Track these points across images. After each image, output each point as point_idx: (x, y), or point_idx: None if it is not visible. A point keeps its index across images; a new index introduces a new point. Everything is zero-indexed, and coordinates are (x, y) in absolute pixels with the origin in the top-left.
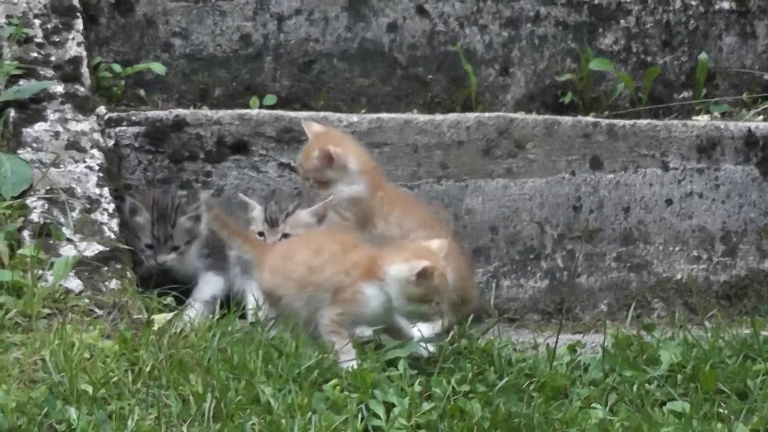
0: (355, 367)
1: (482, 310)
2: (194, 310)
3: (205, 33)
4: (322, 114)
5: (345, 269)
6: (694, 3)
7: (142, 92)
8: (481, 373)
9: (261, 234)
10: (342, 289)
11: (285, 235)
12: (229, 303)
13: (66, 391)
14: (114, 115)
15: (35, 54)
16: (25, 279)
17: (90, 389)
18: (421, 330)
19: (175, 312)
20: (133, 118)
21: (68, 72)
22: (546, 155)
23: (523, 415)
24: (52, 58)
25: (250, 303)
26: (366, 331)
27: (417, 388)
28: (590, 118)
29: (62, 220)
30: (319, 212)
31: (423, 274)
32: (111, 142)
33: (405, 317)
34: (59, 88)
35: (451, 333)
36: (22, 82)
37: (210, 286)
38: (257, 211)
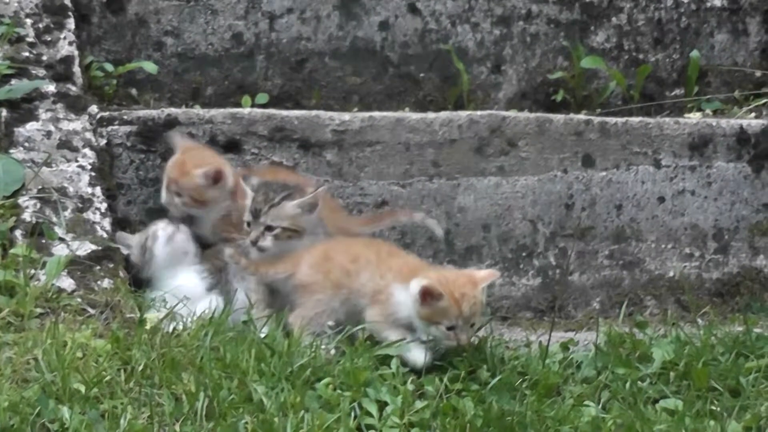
0: (422, 359)
1: None
2: None
3: (196, 32)
4: (314, 113)
5: (380, 273)
6: (685, 0)
7: (134, 91)
8: (473, 371)
9: (248, 224)
10: (379, 291)
11: (268, 228)
12: None
13: (58, 391)
14: (106, 114)
15: (27, 53)
16: (18, 278)
17: (82, 388)
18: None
19: (168, 311)
20: (125, 117)
21: (60, 71)
22: (538, 153)
23: (515, 413)
24: (44, 58)
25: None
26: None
27: (410, 386)
28: (582, 116)
29: (54, 219)
30: (306, 203)
31: (425, 294)
32: (103, 142)
33: (424, 336)
34: (51, 88)
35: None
36: (13, 81)
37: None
38: (248, 200)
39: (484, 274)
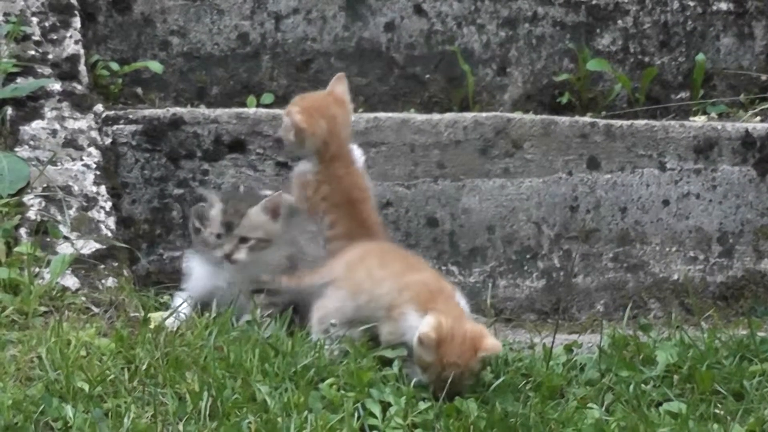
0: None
1: None
2: None
3: (202, 31)
4: None
5: (399, 288)
6: (691, 4)
7: (139, 90)
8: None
9: (219, 236)
10: (394, 307)
11: (243, 239)
12: None
13: (62, 389)
14: (111, 113)
15: (33, 52)
16: (22, 276)
17: (86, 387)
18: None
19: (172, 311)
20: (131, 116)
21: (66, 70)
22: (543, 155)
23: (519, 415)
24: (50, 56)
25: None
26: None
27: (413, 387)
28: (587, 119)
29: (59, 217)
30: (269, 207)
31: (420, 339)
32: (108, 141)
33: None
34: (57, 86)
35: None
36: (19, 79)
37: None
38: (216, 211)
39: (489, 346)
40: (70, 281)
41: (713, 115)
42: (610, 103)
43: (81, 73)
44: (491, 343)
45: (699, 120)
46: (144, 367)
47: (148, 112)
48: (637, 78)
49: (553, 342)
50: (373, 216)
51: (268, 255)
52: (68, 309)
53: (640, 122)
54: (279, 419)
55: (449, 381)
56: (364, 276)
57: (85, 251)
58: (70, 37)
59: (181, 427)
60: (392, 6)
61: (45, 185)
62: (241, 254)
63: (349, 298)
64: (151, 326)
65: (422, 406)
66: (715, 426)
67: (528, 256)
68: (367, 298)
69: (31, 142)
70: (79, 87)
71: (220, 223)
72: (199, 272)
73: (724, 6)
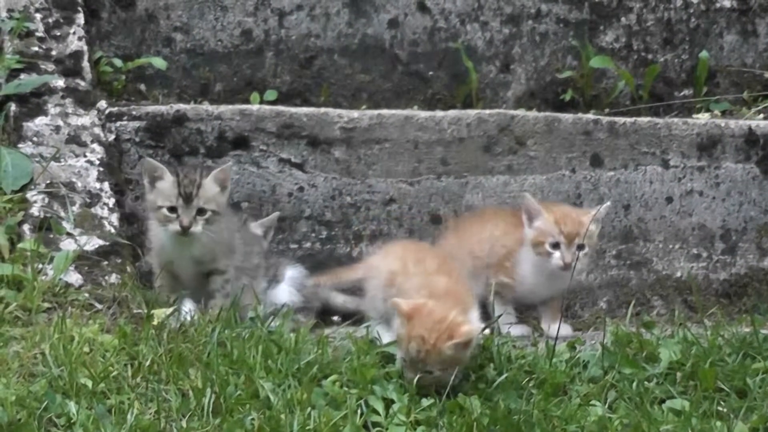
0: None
1: None
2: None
3: (206, 28)
4: (322, 110)
5: (420, 288)
6: (695, 1)
7: (142, 87)
8: (480, 369)
9: (172, 210)
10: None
11: (200, 211)
12: None
13: (65, 385)
14: (115, 109)
15: (36, 48)
16: (26, 273)
17: (89, 383)
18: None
19: (175, 307)
20: (134, 112)
21: (69, 66)
22: (546, 152)
23: (522, 412)
24: (53, 53)
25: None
26: None
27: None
28: (591, 116)
29: (62, 214)
30: (219, 177)
31: (393, 304)
32: (112, 137)
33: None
34: (60, 83)
35: None
36: (23, 76)
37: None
38: (168, 183)
39: (463, 330)
40: (74, 278)
41: (716, 112)
42: (614, 100)
43: (84, 70)
44: (465, 329)
45: (702, 117)
46: (147, 363)
47: (152, 108)
48: (640, 75)
49: (556, 339)
50: None
51: (216, 229)
52: (71, 305)
53: (644, 119)
54: (282, 416)
55: (416, 359)
56: (399, 269)
57: (89, 248)
58: (74, 33)
59: (184, 423)
60: (396, 3)
61: (48, 181)
62: (198, 227)
63: (380, 288)
64: (154, 322)
65: (425, 403)
66: (718, 423)
67: None
68: (396, 291)
69: (35, 139)
70: (82, 83)
71: (177, 194)
72: (158, 244)
73: (727, 3)
